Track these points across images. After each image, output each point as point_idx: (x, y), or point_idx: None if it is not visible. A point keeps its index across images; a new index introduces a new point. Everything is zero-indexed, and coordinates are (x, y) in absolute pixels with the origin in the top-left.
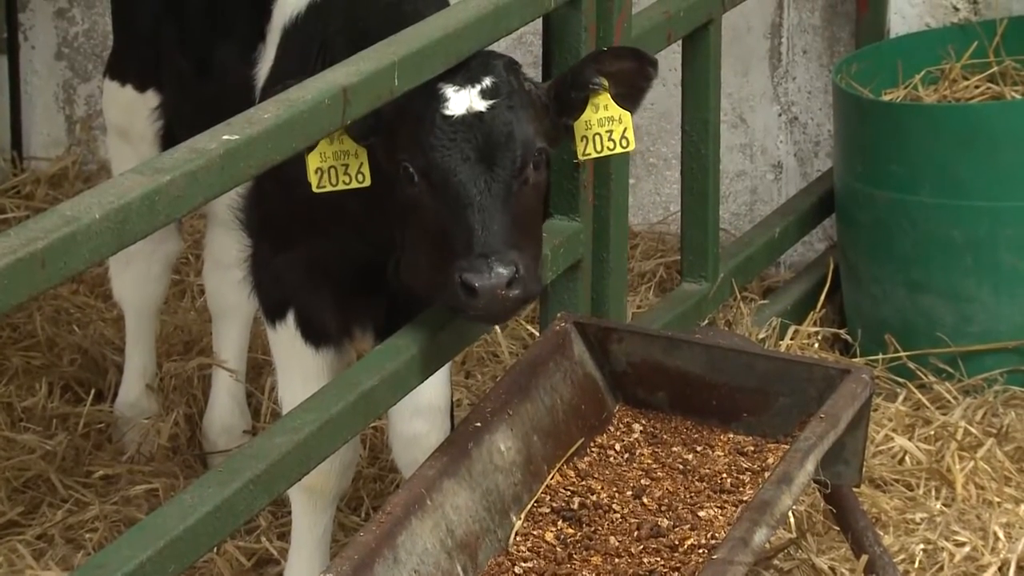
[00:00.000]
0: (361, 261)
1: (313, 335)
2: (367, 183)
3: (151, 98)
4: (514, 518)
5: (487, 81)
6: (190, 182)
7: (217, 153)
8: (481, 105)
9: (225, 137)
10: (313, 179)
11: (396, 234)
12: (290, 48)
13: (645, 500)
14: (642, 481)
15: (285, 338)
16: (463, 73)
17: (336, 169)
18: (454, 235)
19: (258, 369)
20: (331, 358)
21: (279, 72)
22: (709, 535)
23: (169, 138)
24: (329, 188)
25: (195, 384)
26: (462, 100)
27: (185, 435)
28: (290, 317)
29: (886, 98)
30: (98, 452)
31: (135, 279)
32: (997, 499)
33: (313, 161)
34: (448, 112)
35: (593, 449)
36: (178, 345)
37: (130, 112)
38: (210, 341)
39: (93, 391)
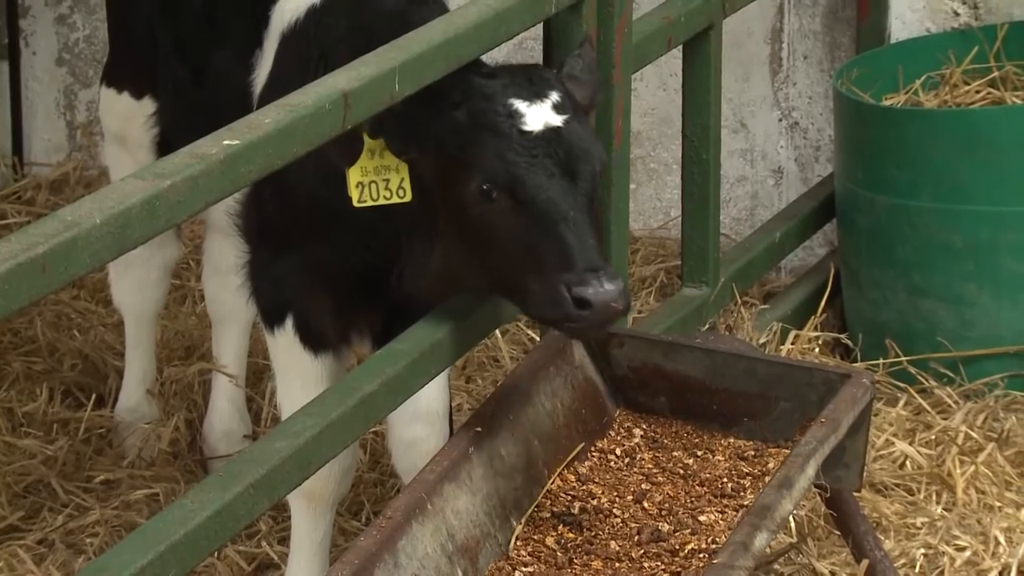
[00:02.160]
0: (361, 267)
1: (312, 340)
2: (407, 199)
3: (148, 105)
4: (514, 522)
5: (555, 96)
6: (191, 187)
7: (218, 158)
8: (557, 120)
9: (226, 142)
10: (354, 193)
11: (404, 242)
12: (288, 54)
13: (646, 504)
14: (643, 485)
15: (284, 343)
16: (525, 88)
17: (377, 184)
18: (550, 250)
19: (258, 374)
20: (330, 363)
21: (277, 78)
22: (710, 539)
23: (165, 145)
24: (370, 203)
25: (195, 389)
26: (538, 115)
27: (186, 440)
28: (289, 322)
29: (887, 103)
30: (99, 457)
31: (134, 284)
32: (998, 503)
33: (354, 175)
34: (527, 128)
35: (594, 453)
36: (179, 350)
37: (127, 119)
38: (211, 346)
39: (94, 396)
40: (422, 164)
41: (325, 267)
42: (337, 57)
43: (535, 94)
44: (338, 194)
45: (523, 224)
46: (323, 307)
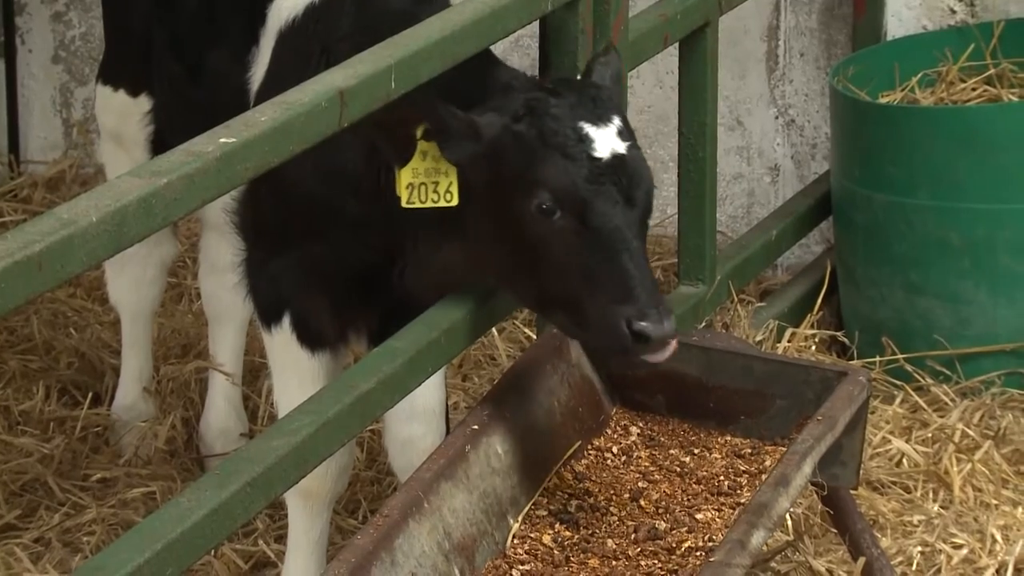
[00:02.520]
0: (359, 266)
1: (309, 339)
2: (454, 203)
3: (143, 102)
4: (511, 521)
5: (618, 120)
6: (187, 185)
7: (214, 156)
8: (622, 147)
9: (222, 140)
10: (404, 194)
11: (406, 240)
12: (286, 52)
13: (642, 503)
14: (639, 484)
15: (281, 342)
16: (591, 110)
17: (426, 186)
18: (612, 280)
19: (255, 372)
20: (327, 361)
21: (274, 76)
22: (706, 537)
23: (161, 143)
24: (417, 204)
25: (192, 387)
26: (606, 141)
27: (182, 438)
28: (286, 321)
29: (883, 101)
30: (95, 455)
31: (130, 282)
32: (995, 501)
33: (406, 176)
34: (596, 154)
35: (590, 452)
36: (175, 348)
37: (123, 117)
38: (207, 344)
39: (90, 394)
40: (474, 171)
41: (323, 265)
42: (339, 54)
43: (601, 118)
44: (338, 193)
45: (586, 249)
46: (320, 305)
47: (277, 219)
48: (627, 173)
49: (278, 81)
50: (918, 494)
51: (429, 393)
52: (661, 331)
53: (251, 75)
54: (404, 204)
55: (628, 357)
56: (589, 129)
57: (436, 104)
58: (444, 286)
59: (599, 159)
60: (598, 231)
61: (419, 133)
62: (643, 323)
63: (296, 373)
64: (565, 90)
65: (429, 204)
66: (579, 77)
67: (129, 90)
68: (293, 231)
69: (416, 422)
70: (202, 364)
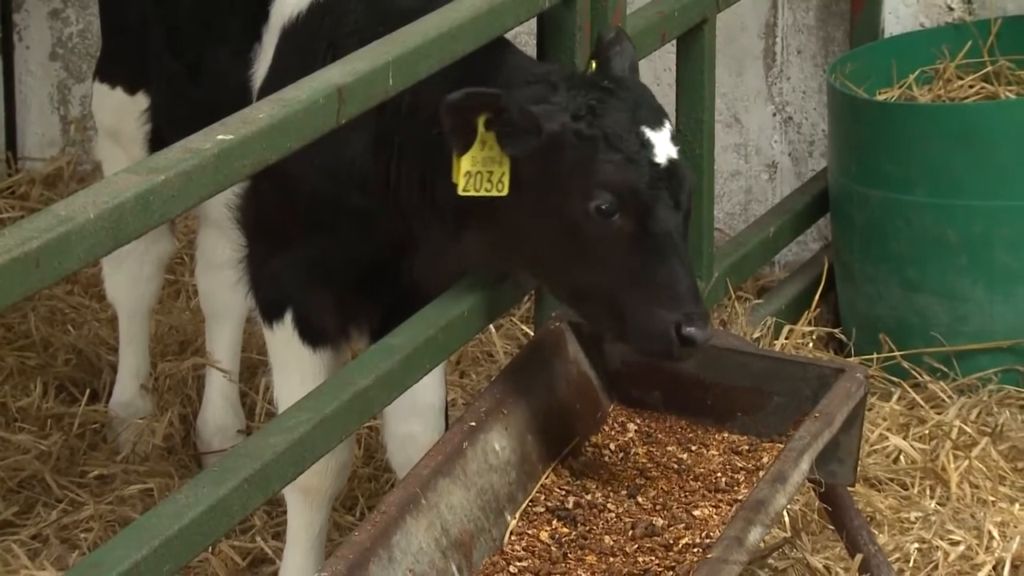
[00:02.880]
0: (364, 259)
1: (311, 335)
2: (504, 193)
3: (141, 100)
4: (509, 517)
5: (668, 125)
6: (184, 182)
7: (212, 153)
8: (674, 152)
9: (220, 137)
10: (461, 181)
11: (421, 233)
12: (290, 48)
13: (640, 499)
14: (637, 480)
15: (282, 338)
16: (647, 113)
17: (482, 175)
18: (664, 285)
19: (252, 369)
20: (328, 358)
21: (278, 72)
22: (704, 534)
23: (159, 141)
24: (472, 193)
25: (190, 384)
26: (663, 146)
27: (180, 435)
28: (288, 317)
29: (880, 98)
30: (93, 452)
31: (128, 279)
32: (992, 498)
33: (465, 164)
34: (656, 160)
35: (588, 448)
36: (173, 345)
37: (120, 114)
38: (204, 341)
39: (88, 391)
40: (528, 164)
41: (326, 261)
42: (347, 51)
43: (657, 121)
44: (344, 187)
45: (640, 252)
46: (323, 301)
47: (280, 215)
48: (677, 178)
49: (282, 78)
50: (915, 491)
51: (428, 390)
52: (704, 336)
53: (253, 72)
54: (460, 191)
55: (670, 359)
56: (650, 134)
57: (504, 95)
58: (457, 276)
59: (658, 165)
60: (654, 236)
61: (481, 122)
62: (691, 329)
63: (298, 370)
64: (619, 89)
65: (483, 192)
66: (594, 65)
67: (126, 88)
68: (296, 227)
69: (415, 419)
70: (199, 361)
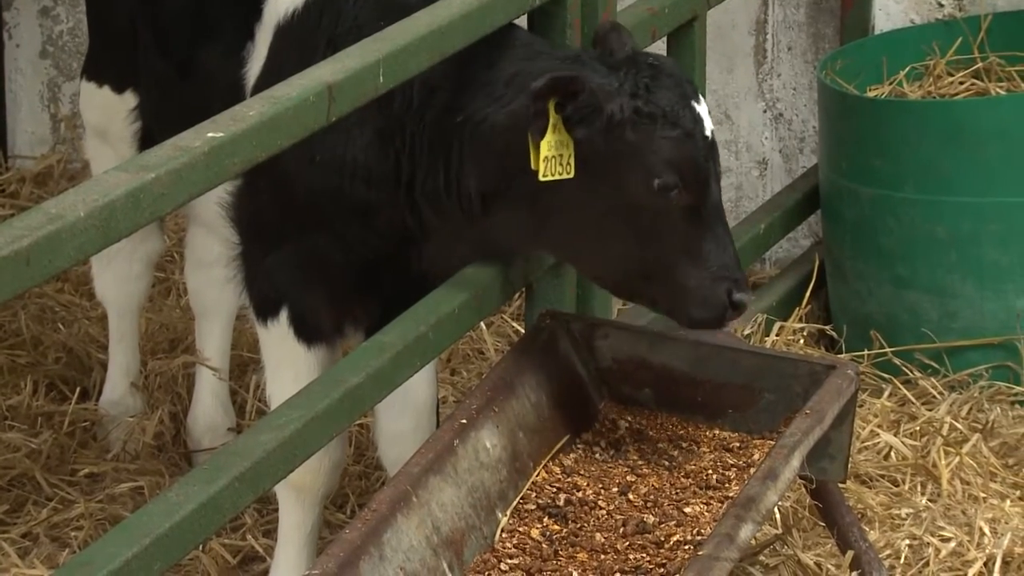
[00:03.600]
0: (367, 253)
1: (306, 333)
2: (571, 175)
3: (129, 99)
4: (500, 515)
5: (703, 100)
6: (175, 180)
7: (202, 151)
8: (713, 127)
9: (210, 135)
10: (541, 166)
11: (432, 222)
12: (286, 45)
13: (631, 496)
14: (628, 477)
15: (277, 336)
16: (690, 89)
17: (557, 159)
18: (716, 254)
19: (243, 367)
20: (323, 355)
21: (272, 70)
22: (695, 531)
23: (148, 140)
24: (551, 177)
25: (180, 382)
26: (708, 121)
27: (170, 433)
28: (283, 315)
29: (871, 94)
30: (83, 450)
31: (117, 278)
32: (982, 494)
33: (544, 149)
34: (707, 135)
35: (579, 445)
36: (163, 343)
37: (108, 113)
38: (195, 339)
39: (78, 389)
40: (589, 144)
41: (324, 257)
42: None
43: (698, 95)
44: (349, 183)
45: (695, 225)
46: (319, 299)
47: (276, 212)
48: (715, 153)
49: (277, 76)
50: (906, 487)
51: (420, 387)
52: (748, 299)
53: (246, 71)
54: (541, 177)
55: (717, 325)
56: (699, 109)
57: (582, 77)
58: (469, 263)
59: (708, 138)
60: (707, 208)
61: (552, 106)
62: (740, 294)
63: (292, 367)
64: (661, 65)
65: (557, 175)
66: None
67: (114, 87)
68: (293, 223)
69: (407, 416)
70: (190, 359)
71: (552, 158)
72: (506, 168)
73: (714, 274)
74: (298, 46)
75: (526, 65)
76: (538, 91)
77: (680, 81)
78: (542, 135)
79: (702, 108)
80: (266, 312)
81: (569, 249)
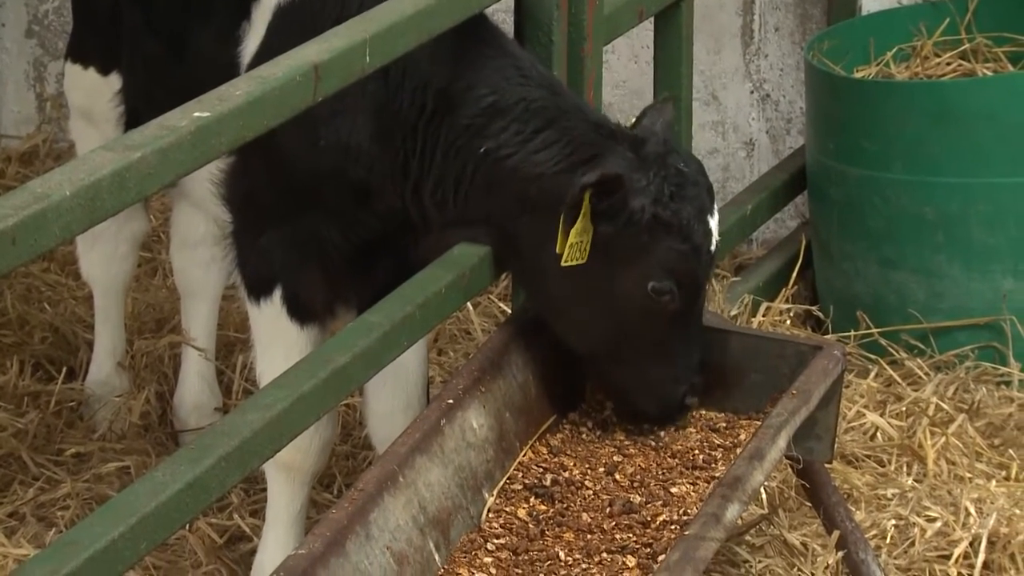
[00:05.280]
0: (364, 235)
1: (299, 312)
2: (584, 260)
3: (114, 81)
4: (486, 495)
5: (717, 211)
6: (161, 159)
7: (188, 130)
8: (717, 239)
9: (196, 114)
10: (566, 252)
11: (435, 219)
12: (287, 26)
13: (617, 476)
14: (614, 458)
15: (270, 315)
16: (709, 201)
17: (577, 244)
18: (684, 357)
19: (229, 347)
20: (314, 335)
21: (271, 50)
22: (681, 511)
23: (133, 122)
24: (572, 263)
25: (166, 362)
26: (715, 236)
27: (157, 413)
28: (276, 294)
29: (858, 75)
30: (69, 430)
31: (102, 258)
32: (968, 475)
33: (572, 236)
34: (711, 250)
35: (565, 426)
36: (149, 323)
37: (93, 95)
38: (181, 319)
39: (64, 369)
40: (607, 237)
41: (320, 238)
42: None
43: (713, 207)
44: (351, 166)
45: (675, 328)
46: (313, 278)
47: (272, 191)
48: (710, 267)
49: (274, 54)
50: (892, 468)
51: (410, 366)
52: (694, 402)
53: (241, 50)
54: (563, 263)
55: (666, 424)
56: (712, 224)
57: (627, 177)
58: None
59: (710, 255)
60: (689, 315)
61: (588, 196)
62: (691, 399)
63: (283, 347)
64: (689, 171)
65: (574, 262)
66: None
67: (99, 68)
68: (289, 203)
69: (397, 396)
70: (176, 339)
71: (576, 243)
72: (513, 209)
73: (676, 376)
74: (299, 29)
75: (562, 118)
76: (584, 186)
77: (702, 192)
78: (573, 223)
79: (715, 222)
80: (259, 291)
81: (550, 308)
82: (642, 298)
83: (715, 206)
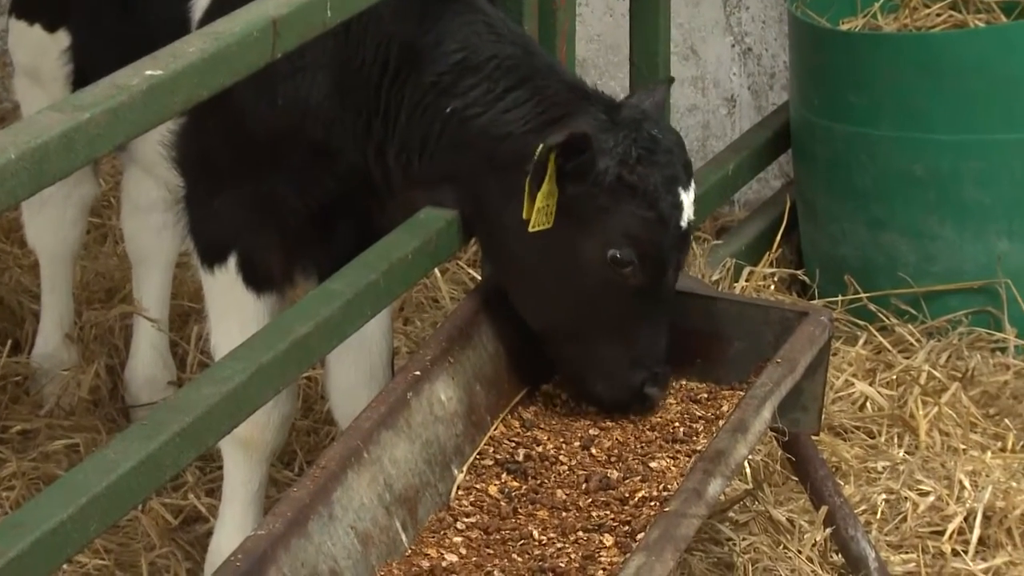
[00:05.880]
0: (322, 197)
1: (255, 280)
2: (551, 225)
3: (61, 38)
4: (456, 471)
5: (694, 187)
6: (111, 119)
7: (140, 89)
8: (691, 215)
9: (148, 72)
10: (533, 217)
11: (398, 183)
12: None
13: (593, 451)
14: (590, 431)
15: (224, 283)
16: (683, 172)
17: (544, 209)
18: (646, 343)
19: (183, 317)
20: (272, 304)
21: (224, 3)
22: (661, 487)
23: (82, 81)
24: (538, 228)
25: (117, 334)
26: (687, 211)
27: (107, 387)
28: (231, 260)
29: (844, 27)
30: (15, 406)
31: (50, 223)
32: (962, 446)
33: (539, 200)
34: (682, 225)
35: (539, 398)
36: (99, 292)
37: (39, 53)
38: (132, 288)
39: (9, 342)
40: (571, 200)
41: (277, 200)
42: None
43: (688, 181)
44: (310, 124)
45: (637, 307)
46: (270, 243)
47: (226, 152)
48: (687, 240)
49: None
50: (882, 439)
51: (374, 337)
52: (658, 397)
53: (192, 3)
54: (530, 229)
55: (619, 410)
56: (684, 198)
57: (594, 137)
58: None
59: (680, 228)
60: (655, 294)
61: (552, 157)
62: (653, 389)
63: (239, 317)
64: (664, 139)
65: (541, 227)
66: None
67: (45, 25)
68: (245, 163)
69: (361, 368)
70: (127, 309)
71: (544, 208)
72: (480, 169)
73: (636, 360)
74: None
75: (534, 77)
76: (552, 146)
77: (675, 162)
78: (539, 187)
79: (687, 197)
80: (212, 257)
81: (510, 276)
82: (601, 267)
83: (691, 182)
